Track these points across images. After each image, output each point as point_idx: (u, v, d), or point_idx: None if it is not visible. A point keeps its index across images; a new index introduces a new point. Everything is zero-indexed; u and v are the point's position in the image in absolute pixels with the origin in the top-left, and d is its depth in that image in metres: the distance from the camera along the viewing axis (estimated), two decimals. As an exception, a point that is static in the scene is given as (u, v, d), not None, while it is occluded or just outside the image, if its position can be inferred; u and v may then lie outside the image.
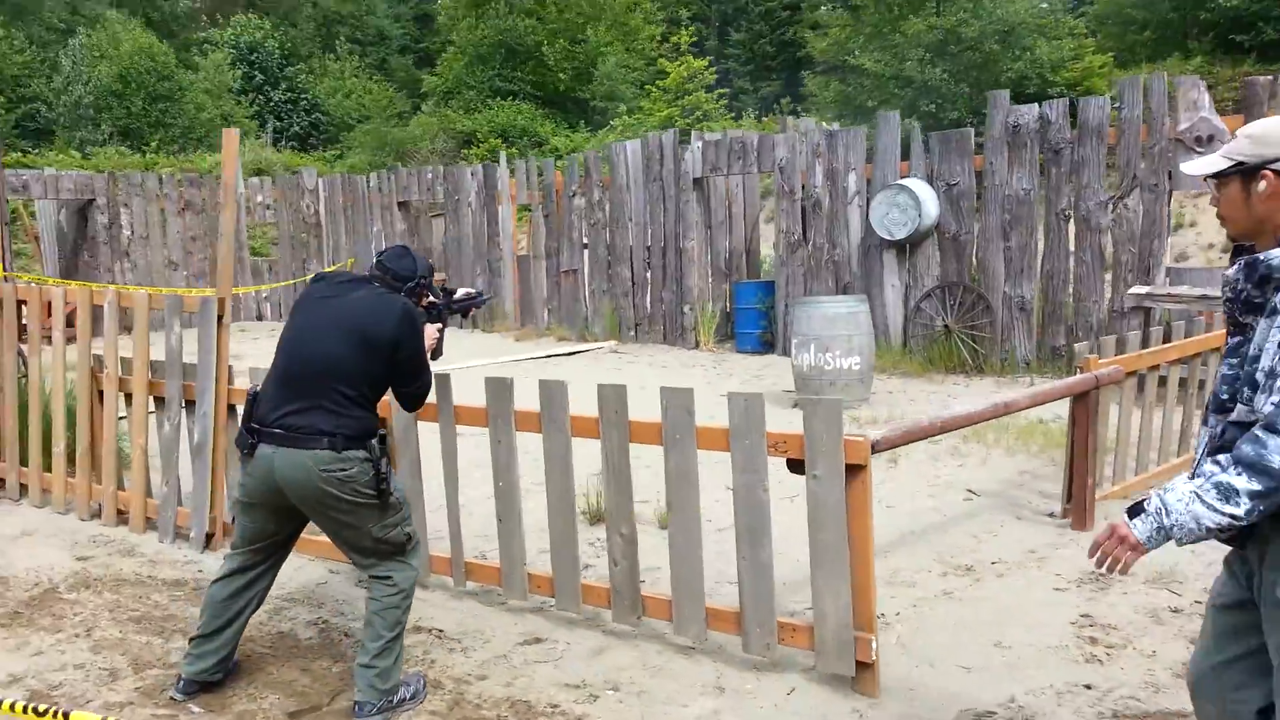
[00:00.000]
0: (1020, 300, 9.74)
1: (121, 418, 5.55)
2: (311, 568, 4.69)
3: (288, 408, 3.26)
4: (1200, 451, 2.15)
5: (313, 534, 4.04)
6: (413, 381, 3.50)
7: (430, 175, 15.49)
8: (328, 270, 4.95)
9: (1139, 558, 2.09)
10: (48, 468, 5.72)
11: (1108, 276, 9.42)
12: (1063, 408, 6.22)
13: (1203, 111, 8.81)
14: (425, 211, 15.93)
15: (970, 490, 5.85)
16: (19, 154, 21.84)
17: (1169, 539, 2.05)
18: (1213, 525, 1.97)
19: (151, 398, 5.30)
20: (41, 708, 2.32)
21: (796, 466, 3.50)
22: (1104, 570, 2.14)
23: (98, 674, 3.64)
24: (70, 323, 5.71)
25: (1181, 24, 20.78)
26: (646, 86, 25.74)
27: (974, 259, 10.06)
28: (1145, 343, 5.73)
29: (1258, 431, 1.94)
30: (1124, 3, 21.91)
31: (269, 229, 18.58)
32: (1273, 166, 2.06)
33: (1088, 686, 3.44)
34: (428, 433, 4.34)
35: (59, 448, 5.62)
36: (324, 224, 16.94)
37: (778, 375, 9.92)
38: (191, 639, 3.48)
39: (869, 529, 3.40)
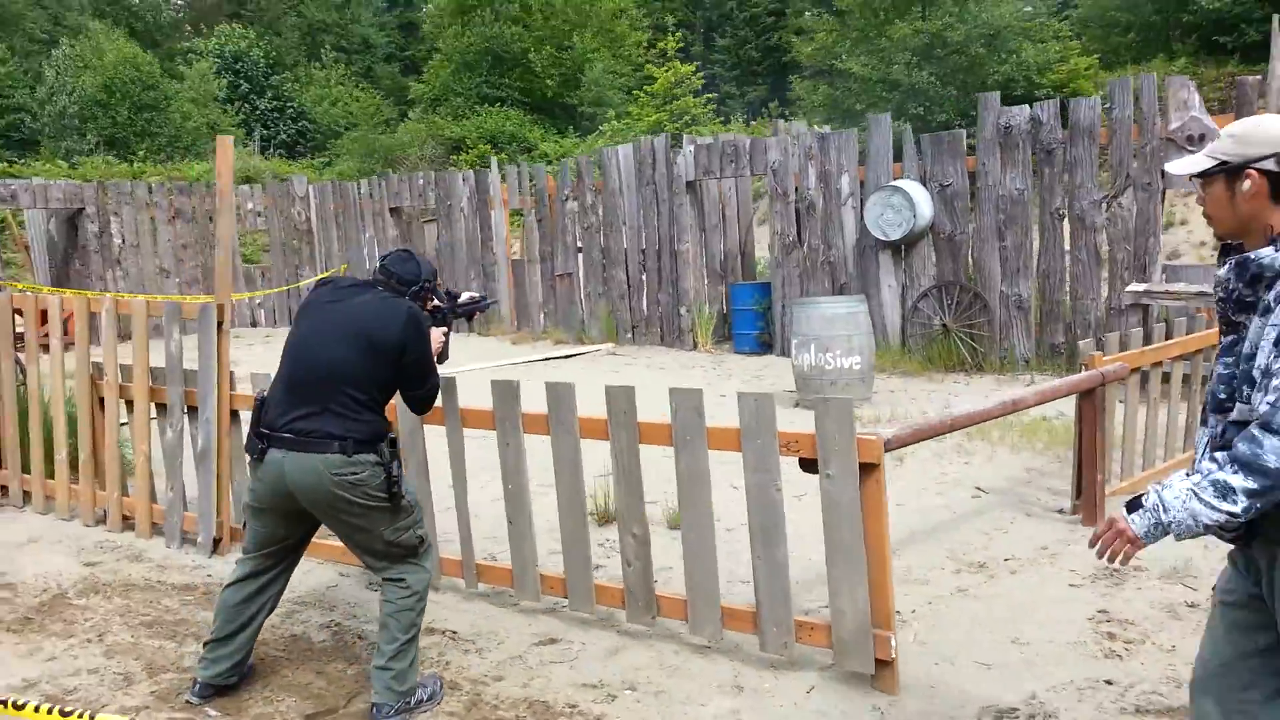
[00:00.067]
0: (1017, 299, 9.77)
1: (123, 424, 5.50)
2: (322, 571, 4.65)
3: (296, 412, 3.23)
4: (1200, 451, 2.15)
5: (323, 537, 4.01)
6: (420, 385, 3.48)
7: (422, 181, 15.46)
8: (325, 275, 4.91)
9: (1137, 551, 2.12)
10: (50, 475, 5.67)
11: (1104, 274, 9.46)
12: (1065, 405, 6.24)
13: (1193, 111, 8.87)
14: (417, 217, 15.88)
15: (978, 488, 5.84)
16: (4, 164, 21.70)
17: (1166, 534, 2.07)
18: (1210, 522, 1.99)
19: (153, 404, 5.25)
20: (68, 709, 2.28)
21: (809, 466, 3.48)
22: (1104, 561, 2.17)
23: (112, 678, 3.61)
24: (66, 330, 5.66)
25: (1165, 26, 20.94)
26: (634, 92, 25.77)
27: (970, 259, 10.09)
28: (1148, 339, 5.75)
29: (1254, 430, 1.94)
30: (1108, 5, 22.08)
31: (260, 236, 18.50)
32: (1257, 165, 2.06)
33: (1109, 682, 3.42)
34: (432, 435, 4.31)
35: (61, 454, 5.58)
36: (315, 231, 16.88)
37: (777, 375, 9.92)
38: (206, 643, 3.45)
39: (884, 527, 3.39)
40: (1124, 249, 9.24)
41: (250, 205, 17.03)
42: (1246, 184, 2.07)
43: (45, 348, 5.82)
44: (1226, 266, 2.11)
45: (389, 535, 3.33)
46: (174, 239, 16.38)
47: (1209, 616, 2.29)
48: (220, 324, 4.95)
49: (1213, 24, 19.23)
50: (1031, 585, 4.33)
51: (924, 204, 10.01)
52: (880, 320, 10.45)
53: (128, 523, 5.35)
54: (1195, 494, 2.00)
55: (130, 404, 5.29)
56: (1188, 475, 2.06)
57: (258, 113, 30.35)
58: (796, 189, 11.23)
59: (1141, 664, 3.56)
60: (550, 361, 11.62)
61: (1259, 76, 9.04)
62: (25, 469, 5.80)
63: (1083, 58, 20.06)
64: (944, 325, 10.05)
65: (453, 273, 14.67)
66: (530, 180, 14.00)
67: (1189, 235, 14.24)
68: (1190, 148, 8.68)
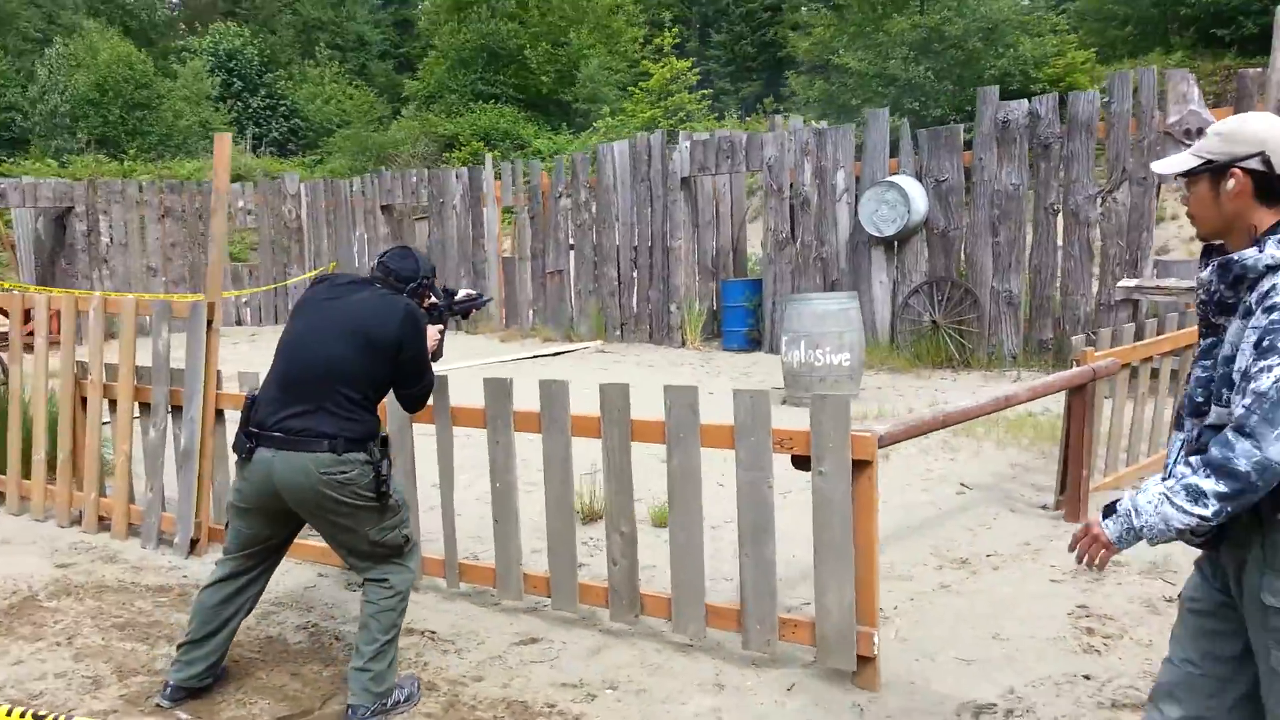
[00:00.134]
0: (1008, 294, 9.74)
1: (105, 424, 5.46)
2: (300, 571, 4.61)
3: (288, 411, 3.20)
4: (1174, 456, 2.13)
5: (302, 538, 3.97)
6: (415, 383, 3.45)
7: (414, 178, 15.40)
8: (317, 272, 4.88)
9: (1111, 556, 2.14)
10: (27, 475, 5.62)
11: (1095, 270, 9.44)
12: (1051, 400, 6.21)
13: (1192, 104, 8.84)
14: (409, 215, 15.85)
15: (963, 484, 5.83)
16: (-6, 163, 21.65)
17: (1140, 539, 2.07)
18: (1181, 526, 1.98)
19: (136, 404, 5.21)
20: (43, 712, 2.25)
21: (801, 463, 3.46)
22: (1083, 565, 2.19)
23: (80, 682, 3.56)
24: (52, 329, 5.62)
25: (1162, 19, 20.88)
26: (629, 88, 25.70)
27: (962, 254, 10.07)
28: (1139, 335, 5.73)
29: (1228, 433, 1.93)
30: (1105, -2, 22.03)
31: (249, 234, 18.46)
32: (1241, 164, 2.03)
33: (1086, 677, 3.42)
34: (419, 434, 4.28)
35: (39, 455, 5.53)
36: (305, 229, 16.82)
37: (765, 372, 9.90)
38: (179, 645, 3.41)
39: (874, 524, 3.37)
40: (1116, 244, 9.22)
41: (241, 203, 16.97)
42: (1231, 183, 2.04)
43: (29, 347, 5.77)
44: (1209, 268, 2.09)
45: (375, 535, 3.29)
46: (162, 237, 16.34)
47: (1174, 624, 2.27)
48: (210, 322, 4.92)
49: (1210, 17, 19.19)
50: (1014, 581, 4.32)
51: (919, 200, 9.98)
52: (870, 316, 10.43)
53: (103, 524, 5.29)
54: (1168, 498, 1.99)
55: (114, 403, 5.25)
56: (1162, 480, 2.06)
57: (250, 111, 30.25)
58: (791, 185, 11.20)
59: (1119, 659, 3.55)
60: (538, 359, 11.59)
61: (1259, 69, 9.00)
62: (1, 469, 5.75)
63: (1079, 51, 20.02)
64: (934, 321, 10.02)
65: (443, 270, 14.62)
66: (525, 177, 13.96)
67: (1179, 230, 14.20)
68: (1188, 141, 8.66)
